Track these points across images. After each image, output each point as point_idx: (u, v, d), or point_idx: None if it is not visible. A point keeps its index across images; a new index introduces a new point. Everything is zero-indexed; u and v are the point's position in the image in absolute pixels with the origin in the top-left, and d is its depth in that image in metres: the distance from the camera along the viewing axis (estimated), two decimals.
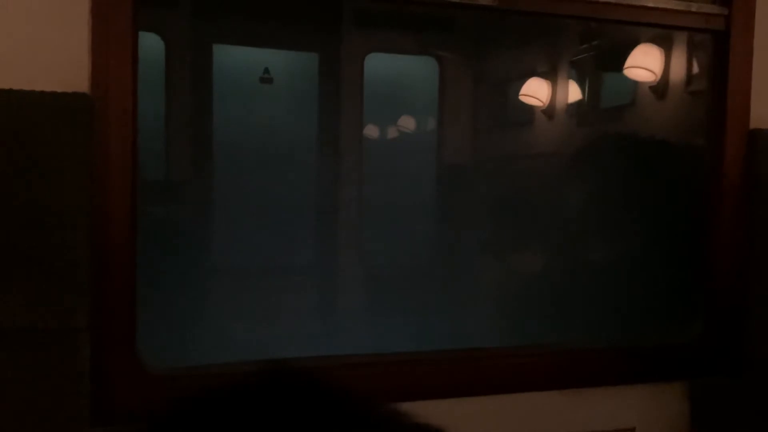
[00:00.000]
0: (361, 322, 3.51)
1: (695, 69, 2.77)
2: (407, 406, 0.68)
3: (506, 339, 2.81)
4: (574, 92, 3.62)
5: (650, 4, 1.96)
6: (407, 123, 4.17)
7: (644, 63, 2.99)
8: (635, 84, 3.17)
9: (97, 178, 1.54)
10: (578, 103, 3.62)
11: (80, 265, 1.49)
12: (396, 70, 3.98)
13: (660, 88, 3.00)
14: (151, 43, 3.10)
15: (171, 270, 2.76)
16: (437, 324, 3.17)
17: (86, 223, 1.50)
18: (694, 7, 2.00)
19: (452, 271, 3.62)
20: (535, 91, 3.67)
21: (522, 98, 3.72)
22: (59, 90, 1.49)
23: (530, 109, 3.73)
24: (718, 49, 2.04)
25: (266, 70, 3.69)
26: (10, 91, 1.45)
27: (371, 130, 4.01)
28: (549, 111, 3.67)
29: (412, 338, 3.01)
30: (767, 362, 2.03)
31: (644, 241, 2.59)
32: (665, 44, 2.93)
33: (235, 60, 3.69)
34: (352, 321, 3.54)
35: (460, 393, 1.85)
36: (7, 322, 1.46)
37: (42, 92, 1.47)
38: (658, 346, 2.11)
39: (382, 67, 3.82)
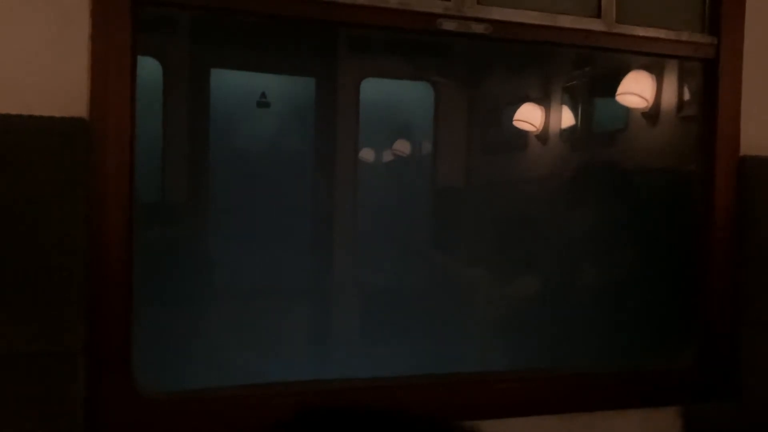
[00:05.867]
0: (355, 344, 3.50)
1: (686, 95, 2.80)
2: None
3: (499, 363, 2.81)
4: (567, 117, 3.66)
5: (641, 33, 2.00)
6: (402, 147, 4.20)
7: (636, 89, 3.03)
8: (628, 110, 3.21)
9: (94, 202, 1.55)
10: (571, 129, 3.66)
11: (76, 288, 1.50)
12: (391, 95, 4.01)
13: (652, 114, 3.04)
14: (149, 67, 3.13)
15: (167, 293, 2.76)
16: (431, 347, 3.17)
17: (83, 247, 1.51)
18: (684, 36, 2.04)
19: (446, 294, 3.62)
20: (529, 116, 3.71)
21: (516, 123, 3.76)
22: (57, 115, 1.50)
23: (524, 133, 3.77)
24: (707, 77, 2.07)
25: (263, 95, 3.72)
26: (8, 115, 1.47)
27: (367, 154, 4.04)
28: (542, 136, 3.71)
29: (407, 361, 3.00)
30: (761, 388, 2.03)
31: (638, 266, 2.61)
32: (657, 71, 2.97)
33: (233, 84, 3.72)
34: (347, 343, 3.53)
35: (453, 418, 1.85)
36: (2, 344, 1.46)
37: (40, 117, 1.49)
38: (652, 372, 2.11)
39: (378, 91, 3.85)
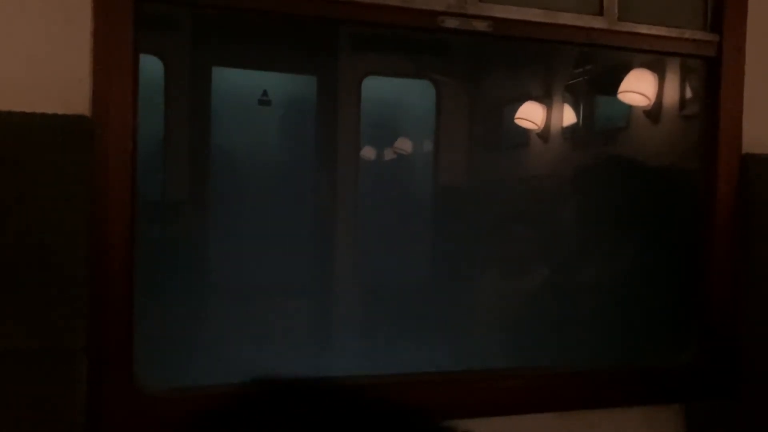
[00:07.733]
0: (356, 341, 3.50)
1: (688, 93, 2.80)
2: None
3: (500, 360, 2.81)
4: (568, 116, 3.66)
5: (643, 31, 2.00)
6: (404, 145, 4.20)
7: (638, 87, 3.03)
8: (629, 108, 3.20)
9: (96, 200, 1.55)
10: (573, 127, 3.65)
11: (78, 285, 1.50)
12: (393, 93, 4.01)
13: (654, 112, 3.04)
14: (151, 66, 3.13)
15: (168, 290, 2.76)
16: (433, 344, 3.17)
17: (84, 245, 1.51)
18: (686, 34, 2.04)
19: (448, 292, 3.62)
20: (531, 115, 3.71)
21: (517, 121, 3.76)
22: (60, 112, 1.50)
23: (525, 132, 3.77)
24: (709, 75, 2.07)
25: (265, 93, 3.72)
26: (11, 113, 1.47)
27: (368, 152, 4.03)
28: (544, 134, 3.71)
29: (408, 359, 3.00)
30: (761, 386, 2.03)
31: (639, 263, 2.61)
32: (659, 69, 2.97)
33: (234, 82, 3.72)
34: (348, 340, 3.53)
35: (455, 415, 1.85)
36: (3, 342, 1.46)
37: (43, 114, 1.49)
38: (653, 369, 2.11)
39: (379, 90, 3.85)
